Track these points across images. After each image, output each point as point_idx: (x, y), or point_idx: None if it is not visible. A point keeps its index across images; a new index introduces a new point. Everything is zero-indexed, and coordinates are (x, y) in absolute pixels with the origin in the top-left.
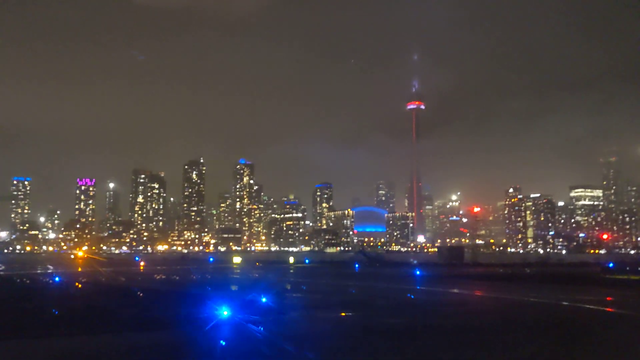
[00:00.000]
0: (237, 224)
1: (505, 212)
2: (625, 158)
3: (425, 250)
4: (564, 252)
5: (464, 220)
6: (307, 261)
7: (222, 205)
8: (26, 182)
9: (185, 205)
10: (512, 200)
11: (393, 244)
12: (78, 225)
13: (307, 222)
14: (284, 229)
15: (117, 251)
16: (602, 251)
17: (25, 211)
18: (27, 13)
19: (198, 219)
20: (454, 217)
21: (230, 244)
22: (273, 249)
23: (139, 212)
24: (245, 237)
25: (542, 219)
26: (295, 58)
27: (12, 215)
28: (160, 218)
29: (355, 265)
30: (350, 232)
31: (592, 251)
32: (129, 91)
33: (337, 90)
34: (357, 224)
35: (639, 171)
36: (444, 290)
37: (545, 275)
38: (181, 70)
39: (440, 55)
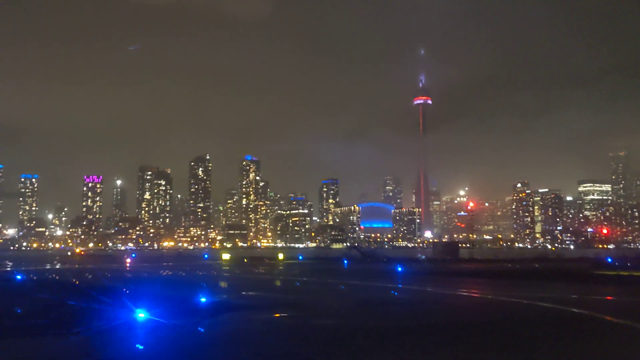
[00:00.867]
0: (244, 221)
1: (513, 207)
2: (634, 152)
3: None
4: (572, 247)
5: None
6: (300, 257)
7: (229, 201)
8: (33, 180)
9: (191, 201)
10: (520, 195)
11: (400, 240)
12: (85, 222)
13: (314, 218)
14: (290, 225)
15: (122, 248)
16: (611, 246)
17: (33, 208)
18: (32, 13)
19: (204, 215)
20: (462, 213)
21: (237, 240)
22: (279, 245)
23: (146, 208)
24: (251, 234)
25: (550, 214)
26: (300, 54)
27: (20, 213)
28: (167, 214)
29: (344, 262)
30: (357, 228)
31: (600, 246)
32: (136, 89)
33: (342, 86)
34: (363, 219)
35: None
36: (416, 288)
37: (532, 272)
38: (187, 68)
39: (447, 50)
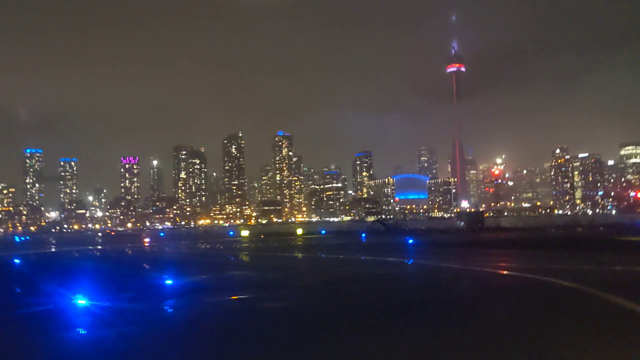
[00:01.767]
0: (278, 196)
1: (552, 173)
2: None
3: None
4: (613, 212)
5: (510, 183)
6: (322, 232)
7: (264, 178)
8: (72, 163)
9: (226, 179)
10: (559, 161)
11: (436, 211)
12: (123, 203)
13: (349, 192)
14: (324, 199)
15: (160, 227)
16: None
17: (73, 191)
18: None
19: (239, 192)
20: (499, 181)
21: (271, 216)
22: (314, 219)
23: (182, 187)
24: (286, 209)
25: (590, 179)
26: (328, 26)
27: (61, 196)
28: (203, 193)
29: (362, 236)
30: (392, 200)
31: None
32: (168, 71)
33: (372, 57)
34: (398, 191)
35: None
36: (413, 261)
37: (548, 240)
38: (217, 49)
39: (479, 15)
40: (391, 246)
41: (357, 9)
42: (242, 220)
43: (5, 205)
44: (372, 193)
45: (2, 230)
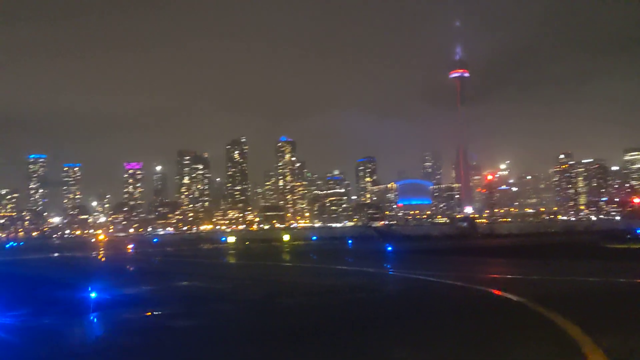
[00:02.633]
0: (281, 202)
1: (556, 179)
2: None
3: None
4: (617, 218)
5: (514, 189)
6: (314, 238)
7: (268, 183)
8: (76, 168)
9: (229, 184)
10: (563, 166)
11: (439, 216)
12: (126, 208)
13: (352, 197)
14: (327, 205)
15: (162, 232)
16: None
17: (77, 196)
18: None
19: (242, 197)
20: (504, 187)
21: (274, 221)
22: (317, 225)
23: (185, 192)
24: (289, 215)
25: (594, 184)
26: (331, 29)
27: (64, 201)
28: (206, 198)
29: (349, 242)
30: (394, 206)
31: None
32: (170, 74)
33: (376, 61)
34: (401, 197)
35: None
36: (379, 271)
37: (531, 247)
38: (219, 52)
39: (484, 20)
40: (368, 254)
41: (360, 13)
42: (244, 226)
43: (9, 210)
44: (375, 198)
45: (3, 235)
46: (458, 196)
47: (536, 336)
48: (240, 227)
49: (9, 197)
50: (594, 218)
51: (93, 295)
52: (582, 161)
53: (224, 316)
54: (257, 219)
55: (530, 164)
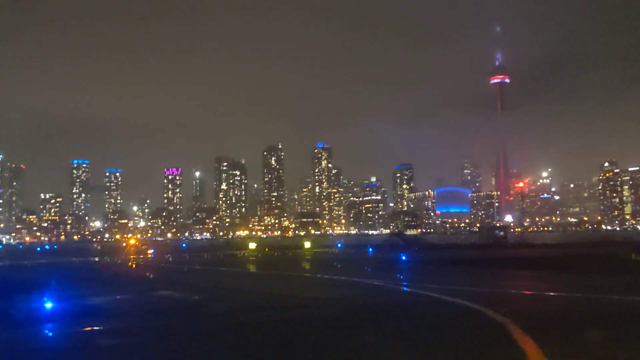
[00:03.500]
0: (317, 208)
1: (600, 187)
2: None
3: (512, 230)
4: None
5: (556, 197)
6: (339, 245)
7: (304, 190)
8: (117, 174)
9: (265, 190)
10: (607, 174)
11: (478, 225)
12: (164, 213)
13: (389, 205)
14: (363, 212)
15: (198, 237)
16: None
17: (118, 201)
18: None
19: (278, 204)
20: (545, 195)
21: (310, 228)
22: (353, 232)
23: (223, 198)
24: (325, 221)
25: None
26: (368, 36)
27: (106, 206)
28: (243, 204)
29: (369, 250)
30: (432, 214)
31: None
32: (209, 82)
33: (413, 68)
34: (439, 204)
35: None
36: (375, 283)
37: (552, 259)
38: (257, 59)
39: (524, 26)
40: (376, 263)
41: (397, 20)
42: (280, 232)
43: (52, 214)
44: (412, 206)
45: (46, 238)
46: (498, 204)
47: None
48: (276, 233)
49: (52, 201)
50: None
51: (48, 305)
52: (628, 169)
53: (167, 332)
54: (293, 226)
55: (573, 172)
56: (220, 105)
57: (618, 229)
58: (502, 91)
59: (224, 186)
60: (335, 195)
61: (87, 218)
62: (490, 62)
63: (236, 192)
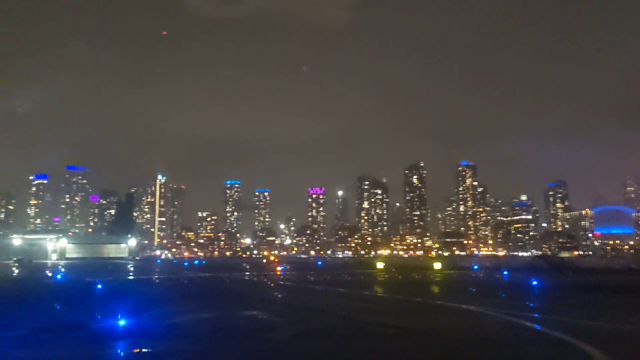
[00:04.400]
0: (462, 228)
1: None
2: None
3: None
4: None
5: None
6: (475, 267)
7: (448, 208)
8: (266, 193)
9: (407, 209)
10: None
11: None
12: (308, 231)
13: (542, 225)
14: (512, 232)
15: (340, 255)
16: None
17: (266, 219)
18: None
19: (421, 223)
20: None
21: (453, 248)
22: (500, 253)
23: (365, 217)
24: (470, 241)
25: None
26: (514, 45)
27: (255, 224)
28: (385, 223)
29: (504, 273)
30: (590, 235)
31: None
32: (350, 102)
33: (564, 77)
34: (598, 225)
35: None
36: (472, 308)
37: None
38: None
39: None
40: (506, 288)
41: (547, 27)
42: (422, 252)
43: (208, 231)
44: (567, 226)
45: (202, 254)
46: None
47: None
48: (418, 252)
49: (208, 219)
50: None
51: (121, 323)
52: None
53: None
54: (436, 245)
55: None
56: (361, 124)
57: None
58: None
59: (365, 205)
60: (482, 215)
61: (238, 235)
62: None
63: (378, 211)
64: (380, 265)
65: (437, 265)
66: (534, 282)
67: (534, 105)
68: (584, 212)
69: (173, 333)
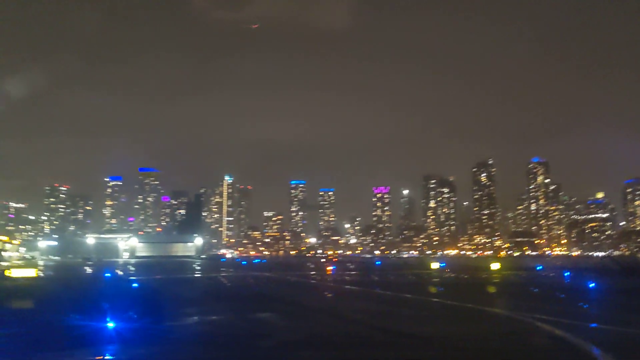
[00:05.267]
0: (534, 227)
1: None
2: None
3: None
4: None
5: None
6: (538, 268)
7: (519, 207)
8: (330, 193)
9: (475, 209)
10: None
11: None
12: (373, 231)
13: (620, 223)
14: (587, 231)
15: (406, 255)
16: None
17: (331, 219)
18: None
19: (490, 222)
20: None
21: (525, 248)
22: (574, 253)
23: (431, 216)
24: (542, 241)
25: None
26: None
27: (320, 223)
28: (452, 222)
29: (565, 274)
30: None
31: None
32: (415, 101)
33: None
34: None
35: None
36: (506, 313)
37: None
38: (465, 72)
39: None
40: (560, 291)
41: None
42: (491, 252)
43: (275, 230)
44: None
45: (268, 252)
46: None
47: None
48: (487, 253)
49: (274, 218)
50: None
51: (110, 325)
52: None
53: None
54: (506, 245)
55: None
56: (428, 122)
57: None
58: None
59: (432, 204)
60: (554, 213)
61: (303, 234)
62: None
63: (444, 210)
64: (435, 265)
65: (495, 266)
66: (591, 285)
67: (611, 96)
68: None
69: (162, 337)
